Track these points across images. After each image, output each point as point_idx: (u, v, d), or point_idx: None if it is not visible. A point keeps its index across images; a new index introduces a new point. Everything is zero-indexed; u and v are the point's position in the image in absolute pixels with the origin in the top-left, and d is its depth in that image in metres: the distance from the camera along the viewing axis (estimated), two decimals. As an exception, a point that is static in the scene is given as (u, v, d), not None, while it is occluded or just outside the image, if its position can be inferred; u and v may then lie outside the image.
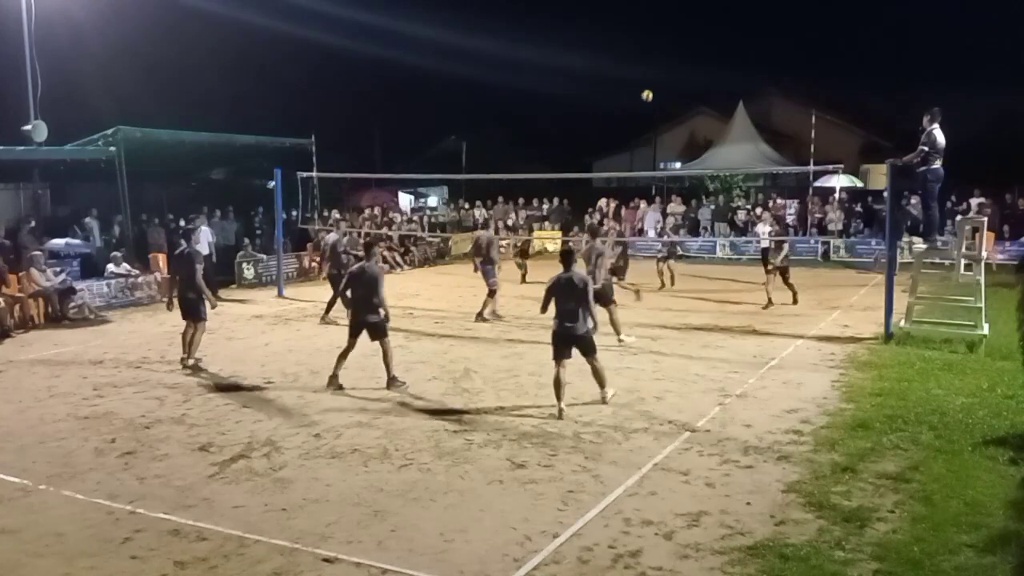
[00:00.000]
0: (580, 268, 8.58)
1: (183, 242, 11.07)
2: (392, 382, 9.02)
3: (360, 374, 9.61)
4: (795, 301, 14.61)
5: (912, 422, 7.38)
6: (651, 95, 16.30)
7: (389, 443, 7.15)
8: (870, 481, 6.08)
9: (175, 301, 10.45)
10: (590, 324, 8.00)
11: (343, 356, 9.14)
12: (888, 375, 9.21)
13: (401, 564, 4.93)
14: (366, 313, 8.97)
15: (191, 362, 10.17)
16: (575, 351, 8.02)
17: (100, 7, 21.18)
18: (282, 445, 7.14)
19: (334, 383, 9.04)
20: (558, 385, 7.90)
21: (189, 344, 10.22)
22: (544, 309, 8.17)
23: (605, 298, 11.03)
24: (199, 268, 10.22)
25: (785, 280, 14.66)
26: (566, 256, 8.15)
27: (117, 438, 7.41)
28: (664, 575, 4.80)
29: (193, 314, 10.23)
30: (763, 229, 16.63)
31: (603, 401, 8.25)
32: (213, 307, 10.54)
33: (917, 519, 5.40)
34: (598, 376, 8.24)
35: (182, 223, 19.29)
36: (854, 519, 5.41)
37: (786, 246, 15.11)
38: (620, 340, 11.25)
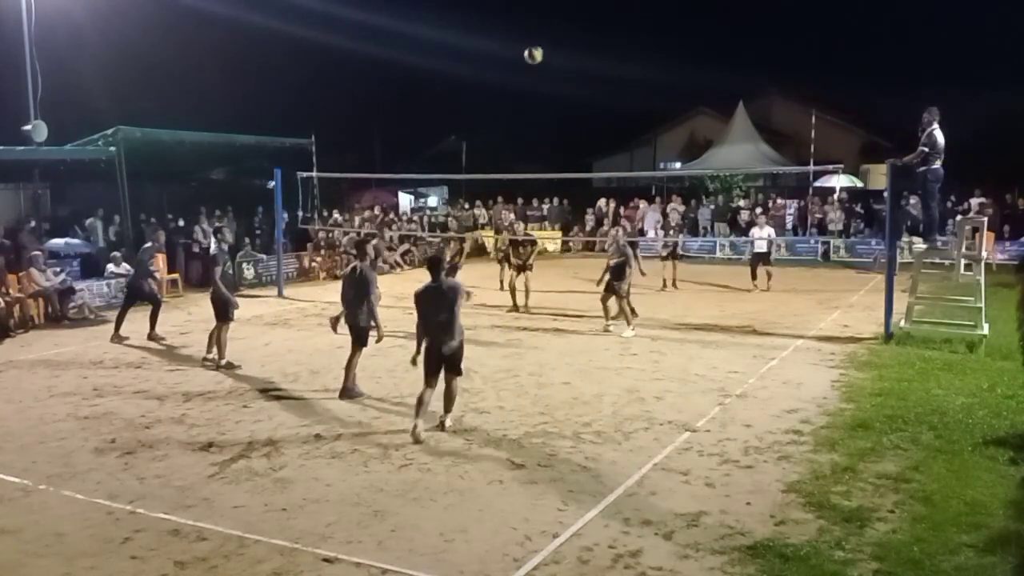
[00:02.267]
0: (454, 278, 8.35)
1: (211, 241, 11.39)
2: (346, 391, 8.64)
3: (360, 374, 9.58)
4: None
5: (912, 422, 7.38)
6: (538, 55, 14.07)
7: (389, 443, 7.14)
8: (870, 481, 6.08)
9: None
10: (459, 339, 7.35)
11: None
12: (888, 375, 9.22)
13: (401, 564, 4.93)
14: (355, 316, 8.60)
15: (224, 362, 10.13)
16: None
17: (100, 7, 21.19)
18: (282, 445, 7.14)
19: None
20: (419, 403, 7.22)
21: (218, 344, 10.21)
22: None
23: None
24: (218, 270, 10.30)
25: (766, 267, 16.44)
26: (434, 264, 7.54)
27: (117, 438, 7.41)
28: (664, 575, 4.80)
29: (220, 314, 10.26)
30: (760, 233, 16.75)
31: (441, 427, 7.44)
32: (235, 307, 10.54)
33: (917, 519, 5.40)
34: (450, 398, 7.50)
35: (182, 223, 19.36)
36: (854, 519, 5.41)
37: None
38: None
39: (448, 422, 7.54)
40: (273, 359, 10.69)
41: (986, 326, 10.77)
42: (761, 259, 16.67)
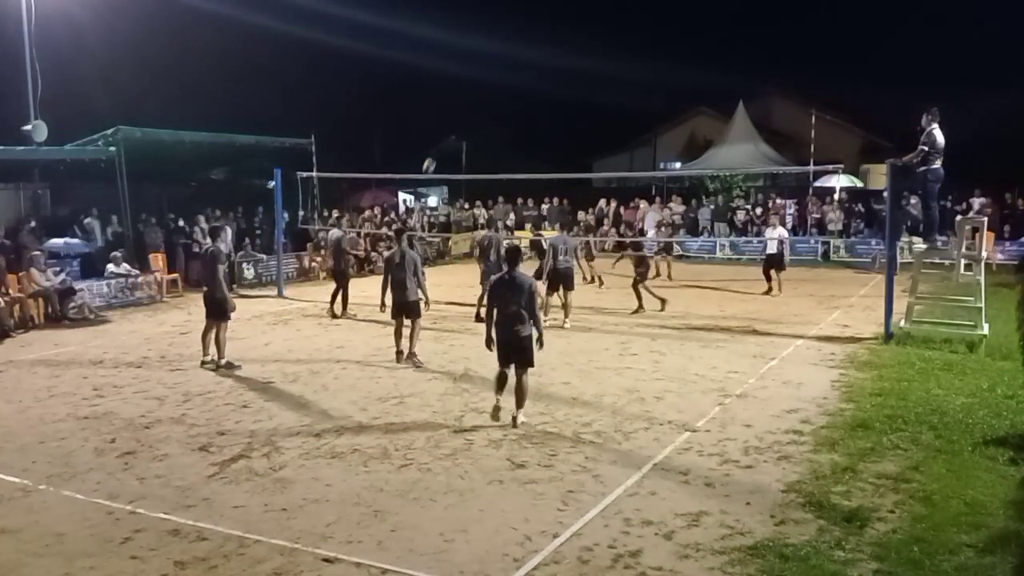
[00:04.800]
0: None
1: (209, 240, 11.44)
2: (411, 356, 10.06)
3: (360, 374, 9.63)
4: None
5: (912, 422, 7.38)
6: (431, 166, 16.33)
7: (389, 443, 7.15)
8: (870, 481, 6.08)
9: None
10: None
11: (397, 334, 10.14)
12: (888, 375, 9.22)
13: (401, 564, 4.93)
14: (404, 294, 9.94)
15: (223, 362, 10.10)
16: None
17: (100, 7, 21.22)
18: (282, 445, 7.14)
19: (401, 358, 10.08)
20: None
21: (218, 344, 10.16)
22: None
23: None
24: (221, 268, 10.23)
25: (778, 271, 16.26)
26: (512, 255, 8.07)
27: (117, 438, 7.41)
28: (664, 575, 4.80)
29: (218, 314, 10.18)
30: (772, 233, 16.52)
31: (513, 424, 7.52)
32: (232, 308, 10.47)
33: (917, 519, 5.40)
34: (520, 393, 7.61)
35: (181, 223, 19.36)
36: (854, 519, 5.41)
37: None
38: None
39: (520, 418, 7.56)
40: (273, 359, 10.69)
41: (986, 326, 10.77)
42: (773, 261, 16.15)
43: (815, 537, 5.17)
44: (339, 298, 13.90)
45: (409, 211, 28.81)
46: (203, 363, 10.22)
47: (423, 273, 10.36)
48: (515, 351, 7.48)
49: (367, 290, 14.72)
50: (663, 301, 13.93)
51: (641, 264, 14.32)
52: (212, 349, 10.20)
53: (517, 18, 35.57)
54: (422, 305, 10.17)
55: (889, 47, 40.97)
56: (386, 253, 10.84)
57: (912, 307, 11.41)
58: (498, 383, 7.65)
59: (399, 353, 10.14)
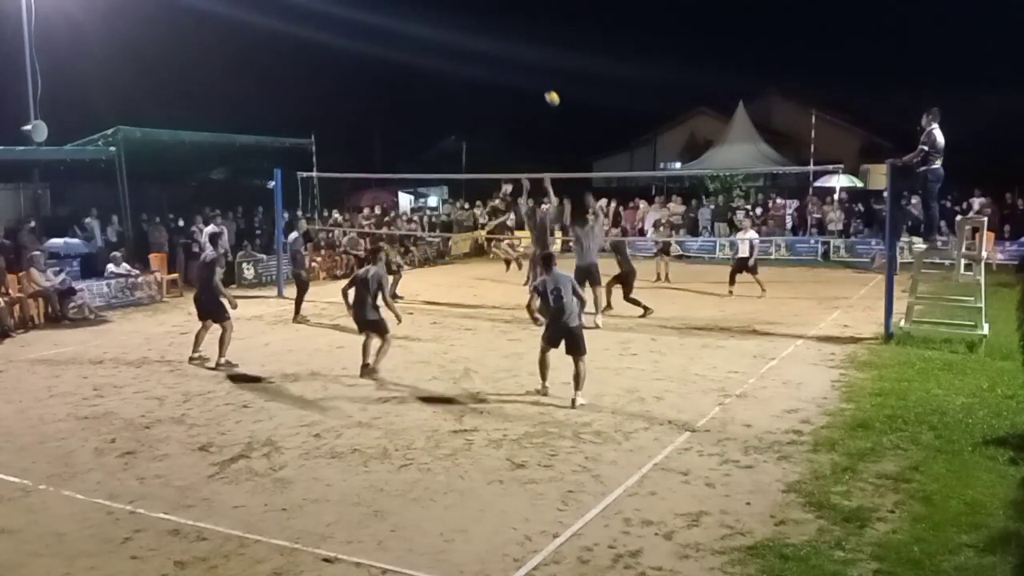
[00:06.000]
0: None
1: (209, 246, 11.98)
2: (372, 371, 9.54)
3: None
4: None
5: (912, 422, 7.38)
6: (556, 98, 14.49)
7: (389, 443, 7.15)
8: (870, 481, 6.08)
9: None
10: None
11: (364, 348, 9.71)
12: (888, 375, 9.22)
13: (401, 564, 4.93)
14: (363, 312, 9.53)
15: (223, 361, 10.15)
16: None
17: (100, 7, 21.19)
18: (282, 445, 7.14)
19: (364, 372, 9.56)
20: None
21: (221, 342, 10.23)
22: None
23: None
24: (219, 271, 10.47)
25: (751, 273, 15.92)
26: (546, 260, 8.87)
27: (117, 438, 7.41)
28: (664, 575, 4.80)
29: (215, 316, 10.31)
30: (744, 236, 16.51)
31: (572, 404, 8.25)
32: (234, 307, 10.52)
33: (917, 519, 5.40)
34: (578, 378, 8.44)
35: (181, 223, 19.36)
36: (854, 519, 5.41)
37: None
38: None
39: (580, 400, 8.23)
40: (273, 359, 10.68)
41: (986, 326, 10.76)
42: (742, 265, 15.93)
43: (815, 537, 5.17)
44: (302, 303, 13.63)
45: (411, 211, 28.83)
46: (191, 359, 10.37)
47: (390, 293, 10.15)
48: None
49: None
50: (646, 309, 13.37)
51: (625, 273, 13.61)
52: (203, 347, 10.35)
53: (517, 18, 35.59)
54: (390, 322, 9.64)
55: (889, 47, 41.06)
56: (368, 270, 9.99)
57: (912, 307, 11.40)
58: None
59: (364, 367, 9.56)
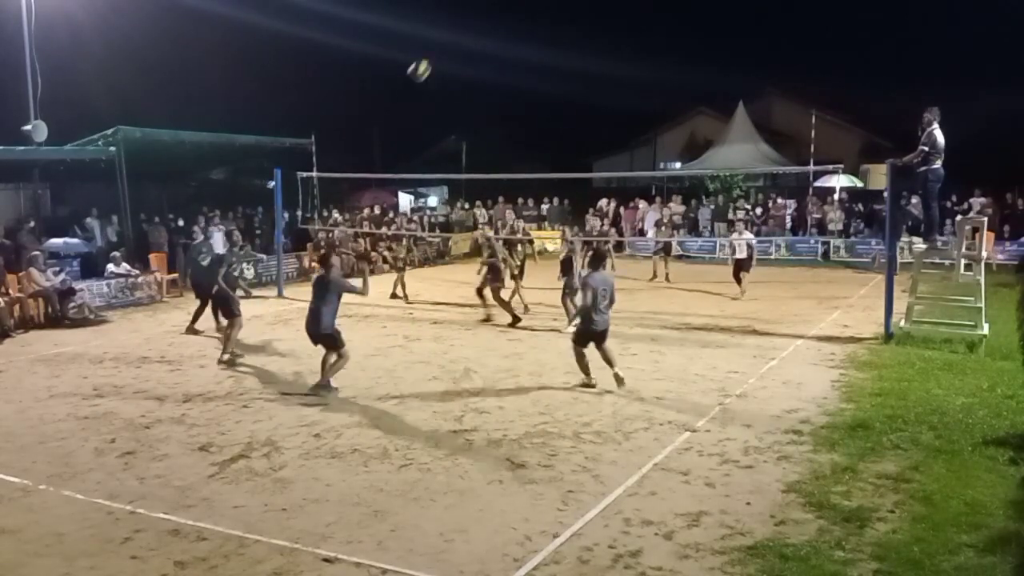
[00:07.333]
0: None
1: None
2: (319, 385, 8.81)
3: (360, 374, 9.61)
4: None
5: (912, 422, 7.38)
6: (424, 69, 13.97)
7: (389, 443, 7.15)
8: (870, 481, 6.08)
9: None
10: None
11: (323, 362, 9.00)
12: (888, 375, 9.22)
13: (401, 564, 4.93)
14: (315, 325, 8.73)
15: (226, 357, 10.28)
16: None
17: (100, 7, 21.21)
18: (282, 445, 7.14)
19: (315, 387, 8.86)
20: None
21: (225, 339, 10.47)
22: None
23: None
24: (221, 271, 10.71)
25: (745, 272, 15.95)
26: (596, 258, 9.26)
27: (117, 438, 7.41)
28: (664, 575, 4.80)
29: (227, 311, 10.52)
30: (741, 238, 16.47)
31: (616, 379, 8.78)
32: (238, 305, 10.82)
33: (917, 519, 5.40)
34: (609, 359, 8.93)
35: (181, 223, 19.36)
36: (854, 519, 5.41)
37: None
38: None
39: (619, 372, 8.86)
40: (273, 359, 10.69)
41: (986, 326, 10.76)
42: (741, 265, 15.92)
43: (815, 537, 5.17)
44: (219, 316, 11.49)
45: (411, 211, 28.84)
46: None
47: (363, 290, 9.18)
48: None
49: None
50: (515, 318, 12.88)
51: (493, 273, 13.10)
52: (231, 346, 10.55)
53: (517, 18, 35.64)
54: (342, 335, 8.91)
55: (889, 46, 41.05)
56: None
57: (912, 307, 11.40)
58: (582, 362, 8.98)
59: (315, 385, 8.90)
